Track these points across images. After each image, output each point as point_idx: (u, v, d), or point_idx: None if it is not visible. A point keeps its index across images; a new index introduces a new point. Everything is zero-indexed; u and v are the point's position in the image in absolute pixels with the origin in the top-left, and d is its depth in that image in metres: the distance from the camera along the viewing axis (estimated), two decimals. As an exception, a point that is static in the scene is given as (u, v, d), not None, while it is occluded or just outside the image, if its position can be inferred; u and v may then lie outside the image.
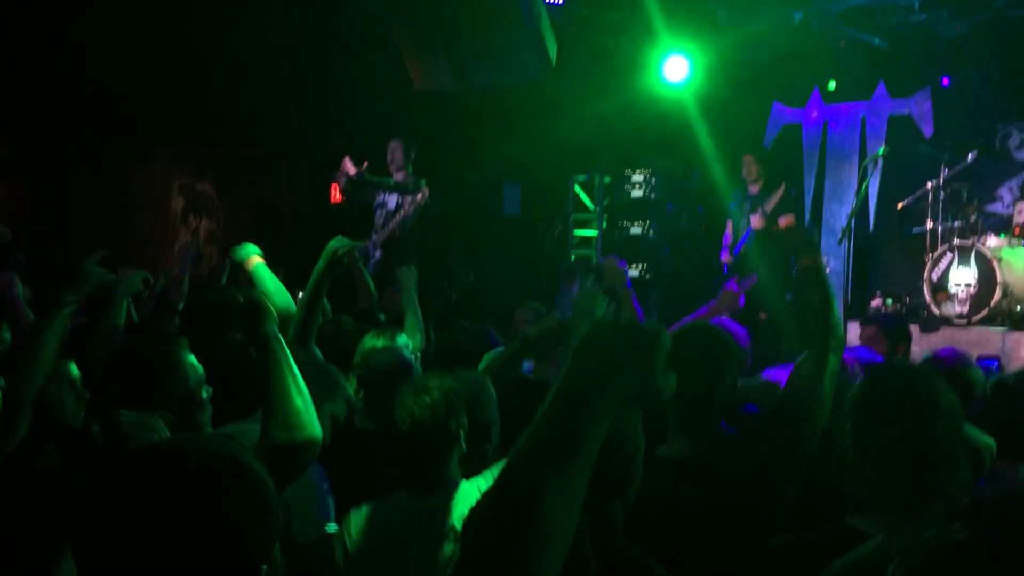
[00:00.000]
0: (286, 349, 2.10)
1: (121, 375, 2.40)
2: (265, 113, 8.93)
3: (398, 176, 7.45)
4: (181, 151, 10.28)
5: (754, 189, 7.72)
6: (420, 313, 4.14)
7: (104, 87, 8.08)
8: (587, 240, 10.00)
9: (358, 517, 2.43)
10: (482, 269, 9.21)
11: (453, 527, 2.31)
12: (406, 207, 7.22)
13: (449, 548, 2.29)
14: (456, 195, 9.15)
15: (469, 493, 2.36)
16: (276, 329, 2.11)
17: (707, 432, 2.24)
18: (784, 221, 7.33)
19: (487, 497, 1.08)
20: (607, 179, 9.79)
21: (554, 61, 5.71)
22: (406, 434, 2.38)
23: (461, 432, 2.44)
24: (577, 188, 10.02)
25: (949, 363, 3.23)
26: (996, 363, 6.30)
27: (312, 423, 2.03)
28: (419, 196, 7.12)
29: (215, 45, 7.57)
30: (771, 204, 7.37)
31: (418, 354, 3.65)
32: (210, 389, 2.47)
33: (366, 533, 2.38)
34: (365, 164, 7.39)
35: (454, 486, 2.40)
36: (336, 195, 9.39)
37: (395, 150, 7.44)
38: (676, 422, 2.26)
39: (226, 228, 10.71)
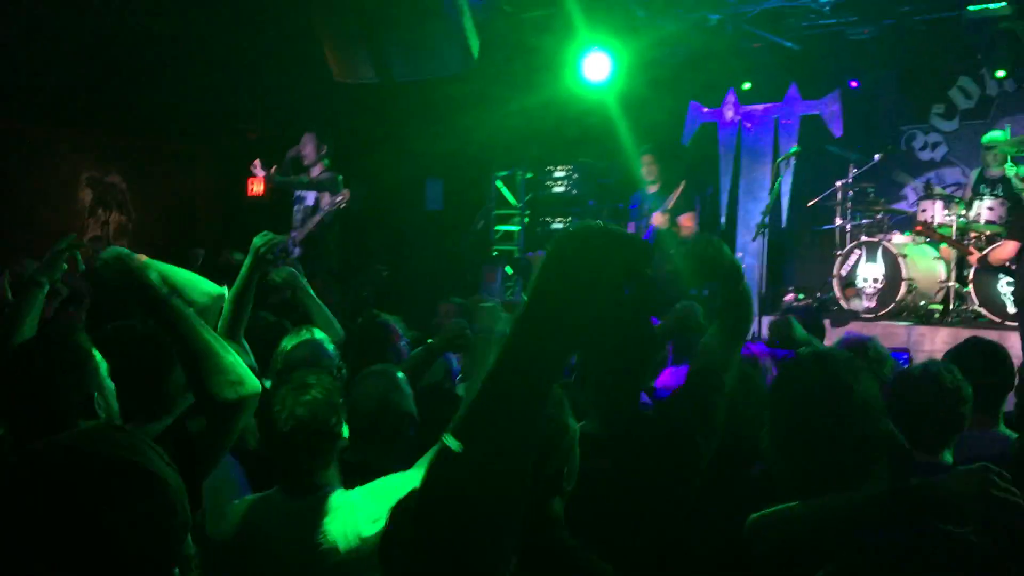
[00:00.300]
0: (188, 308, 2.06)
1: (25, 373, 2.29)
2: (179, 102, 8.68)
3: (314, 171, 7.34)
4: (89, 141, 9.92)
5: (652, 189, 7.61)
6: (323, 305, 4.08)
7: (7, 71, 7.73)
8: (509, 235, 10.03)
9: (235, 511, 2.37)
10: (405, 264, 9.16)
11: (324, 535, 2.25)
12: (324, 206, 7.11)
13: (317, 554, 2.23)
14: (378, 190, 9.06)
15: (342, 504, 2.29)
16: (165, 291, 2.06)
17: (624, 412, 2.25)
18: (684, 220, 7.28)
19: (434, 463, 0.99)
20: (529, 175, 9.84)
21: (476, 56, 5.70)
22: (283, 434, 2.29)
23: (337, 435, 2.35)
24: (499, 183, 10.04)
25: (855, 347, 3.34)
26: (906, 356, 6.56)
27: (251, 376, 2.02)
28: (339, 199, 7.01)
29: (125, 29, 7.33)
30: (672, 201, 7.26)
31: (336, 343, 3.61)
32: (112, 386, 2.38)
33: (237, 528, 2.32)
34: (275, 168, 7.28)
35: (327, 493, 2.32)
36: (253, 188, 9.21)
37: (306, 144, 7.32)
38: (593, 403, 2.26)
39: (137, 222, 10.39)
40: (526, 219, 9.82)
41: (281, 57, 7.67)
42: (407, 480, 2.25)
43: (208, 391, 1.96)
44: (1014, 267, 6.59)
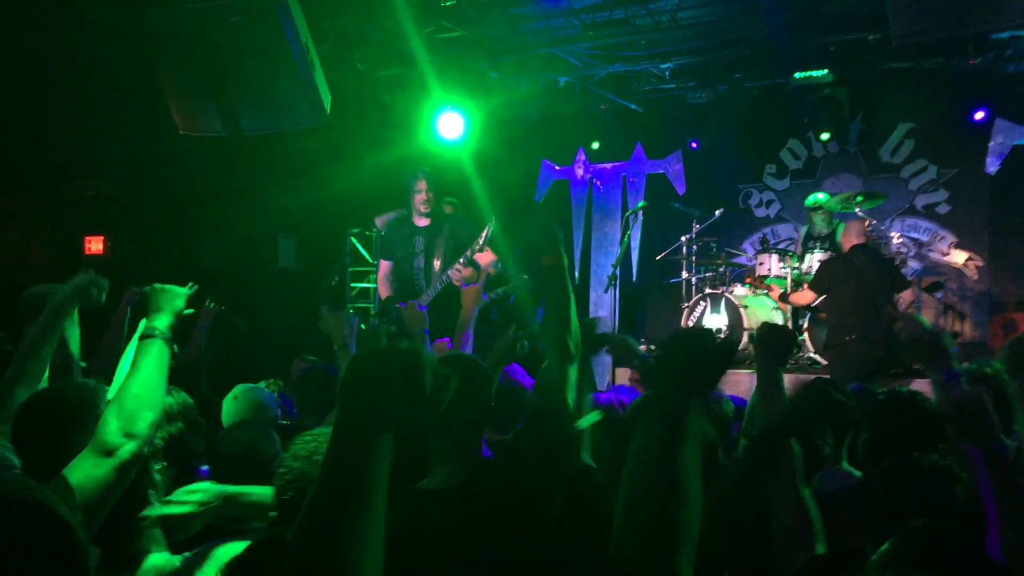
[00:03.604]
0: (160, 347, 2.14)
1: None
2: (8, 154, 8.17)
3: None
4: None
5: (423, 222, 6.64)
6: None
7: None
8: (365, 292, 9.92)
9: None
10: (258, 321, 8.87)
11: None
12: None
13: None
14: (228, 245, 8.78)
15: (158, 568, 2.13)
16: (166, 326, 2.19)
17: (467, 459, 2.22)
18: (484, 258, 6.08)
19: (289, 559, 1.06)
20: (384, 231, 9.79)
21: (328, 110, 5.66)
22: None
23: (140, 504, 2.15)
24: (354, 239, 9.95)
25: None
26: (745, 402, 6.90)
27: (140, 435, 2.01)
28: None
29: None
30: (481, 242, 6.05)
31: None
32: None
33: None
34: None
35: (142, 560, 2.11)
36: (91, 246, 8.74)
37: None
38: (436, 452, 2.23)
39: (-40, 283, 9.63)
40: (382, 275, 9.73)
41: (121, 108, 7.35)
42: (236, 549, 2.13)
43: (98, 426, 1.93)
44: (811, 314, 7.32)
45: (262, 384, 4.00)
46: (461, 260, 6.15)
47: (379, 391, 1.10)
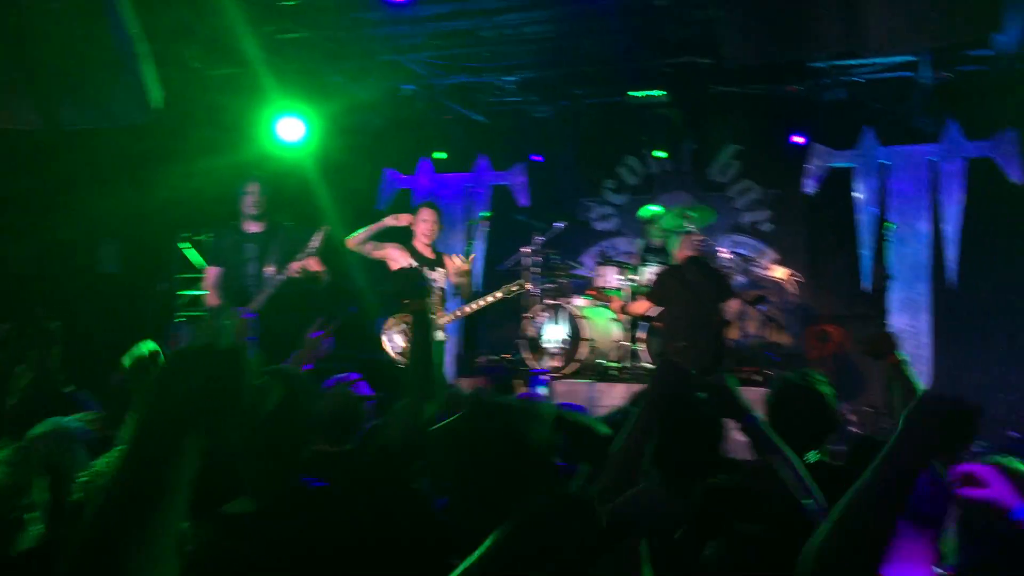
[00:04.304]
0: None
1: None
2: None
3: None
4: None
5: (255, 227, 6.71)
6: None
7: None
8: (195, 299, 9.45)
9: None
10: (77, 330, 8.26)
11: None
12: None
13: None
14: (41, 249, 8.15)
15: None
16: None
17: (283, 485, 2.08)
18: (313, 264, 6.42)
19: (69, 561, 0.96)
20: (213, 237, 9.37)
21: (159, 106, 5.33)
22: None
23: (36, 504, 2.14)
24: (183, 245, 9.48)
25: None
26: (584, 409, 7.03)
27: None
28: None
29: None
30: (317, 244, 6.36)
31: None
32: None
33: None
34: None
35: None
36: None
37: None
38: (251, 476, 2.08)
39: None
40: (215, 283, 9.30)
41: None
42: None
43: None
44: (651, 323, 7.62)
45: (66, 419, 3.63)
46: (295, 264, 6.32)
47: (193, 389, 1.02)
